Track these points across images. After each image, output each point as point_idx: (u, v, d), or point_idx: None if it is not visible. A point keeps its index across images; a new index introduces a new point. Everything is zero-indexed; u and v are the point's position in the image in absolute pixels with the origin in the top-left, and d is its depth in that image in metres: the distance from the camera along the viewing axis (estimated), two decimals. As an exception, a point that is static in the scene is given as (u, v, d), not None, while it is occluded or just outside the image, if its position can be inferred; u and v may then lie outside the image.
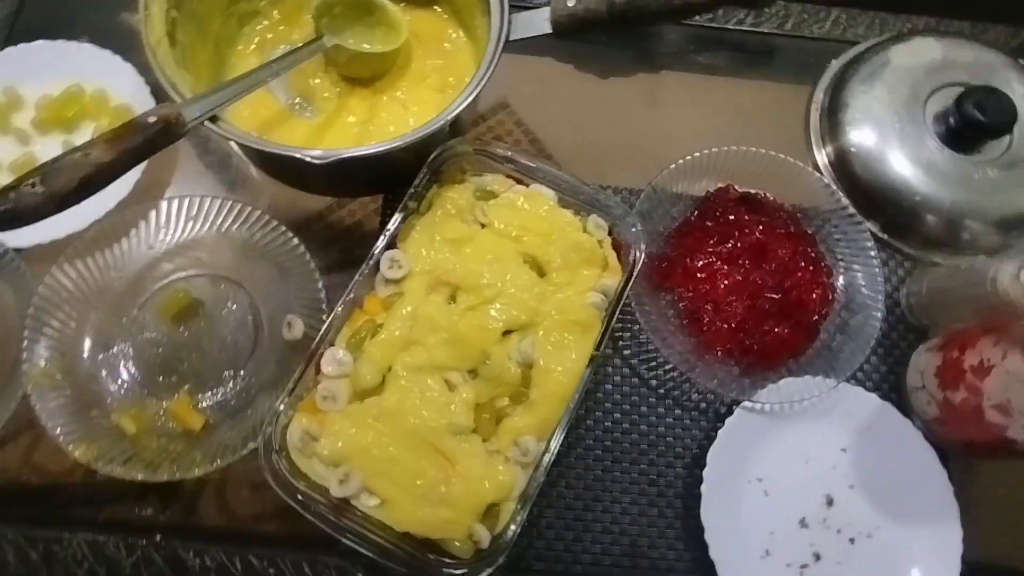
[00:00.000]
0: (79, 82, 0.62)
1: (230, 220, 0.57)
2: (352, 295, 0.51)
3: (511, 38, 0.53)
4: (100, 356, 0.54)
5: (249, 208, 0.57)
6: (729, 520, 0.53)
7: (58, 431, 0.49)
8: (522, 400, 0.49)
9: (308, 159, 0.47)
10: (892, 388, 0.59)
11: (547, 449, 0.48)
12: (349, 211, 0.62)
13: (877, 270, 0.58)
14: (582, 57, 0.68)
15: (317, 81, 0.62)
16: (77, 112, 0.62)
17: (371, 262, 0.52)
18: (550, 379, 0.49)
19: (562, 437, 0.48)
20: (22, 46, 0.62)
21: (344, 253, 0.60)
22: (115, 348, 0.55)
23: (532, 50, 0.62)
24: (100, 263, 0.55)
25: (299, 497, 0.46)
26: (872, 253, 0.59)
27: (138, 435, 0.52)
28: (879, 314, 0.56)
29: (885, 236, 0.63)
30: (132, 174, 0.58)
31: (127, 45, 0.62)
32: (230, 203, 0.57)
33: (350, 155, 0.48)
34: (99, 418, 0.52)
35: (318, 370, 0.49)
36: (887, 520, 0.54)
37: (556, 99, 0.68)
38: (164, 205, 0.57)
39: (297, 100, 0.62)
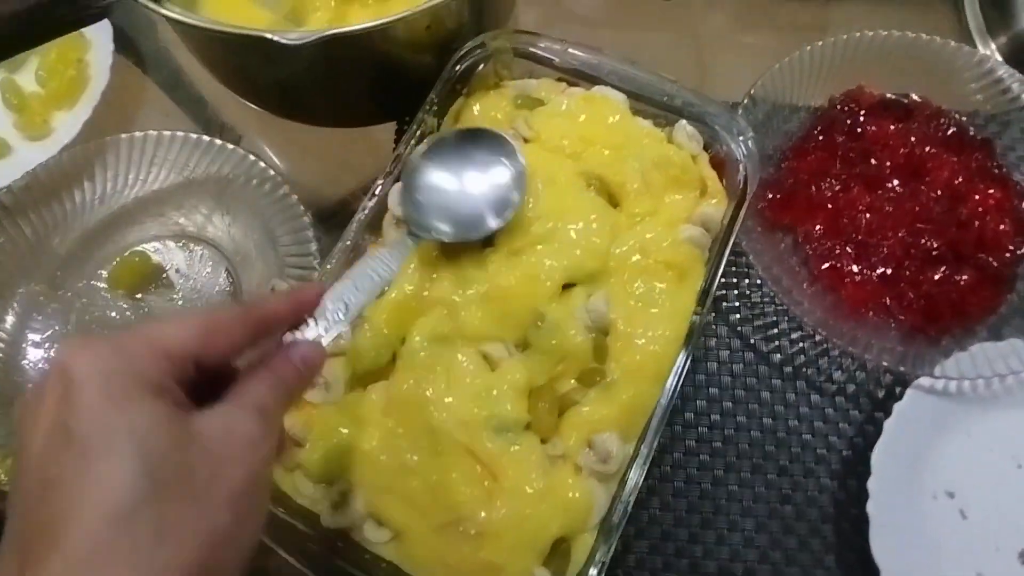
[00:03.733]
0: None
1: (202, 163, 0.45)
2: (350, 243, 0.37)
3: None
4: (27, 342, 0.41)
5: (225, 145, 0.44)
6: (913, 554, 0.35)
7: (-34, 439, 0.36)
8: (596, 381, 0.34)
9: (282, 42, 0.33)
10: None
11: (637, 452, 0.32)
12: (352, 149, 0.48)
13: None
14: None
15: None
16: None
17: (374, 198, 0.37)
18: (635, 348, 0.34)
19: (659, 434, 0.32)
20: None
21: (344, 202, 0.47)
22: (50, 331, 0.42)
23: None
24: (35, 222, 0.43)
25: (274, 530, 0.31)
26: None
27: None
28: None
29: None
30: (81, 113, 0.46)
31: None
32: (204, 140, 0.44)
33: (336, 33, 0.34)
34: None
35: (304, 347, 0.35)
36: None
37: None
38: (118, 144, 0.44)
39: (285, 16, 0.48)
